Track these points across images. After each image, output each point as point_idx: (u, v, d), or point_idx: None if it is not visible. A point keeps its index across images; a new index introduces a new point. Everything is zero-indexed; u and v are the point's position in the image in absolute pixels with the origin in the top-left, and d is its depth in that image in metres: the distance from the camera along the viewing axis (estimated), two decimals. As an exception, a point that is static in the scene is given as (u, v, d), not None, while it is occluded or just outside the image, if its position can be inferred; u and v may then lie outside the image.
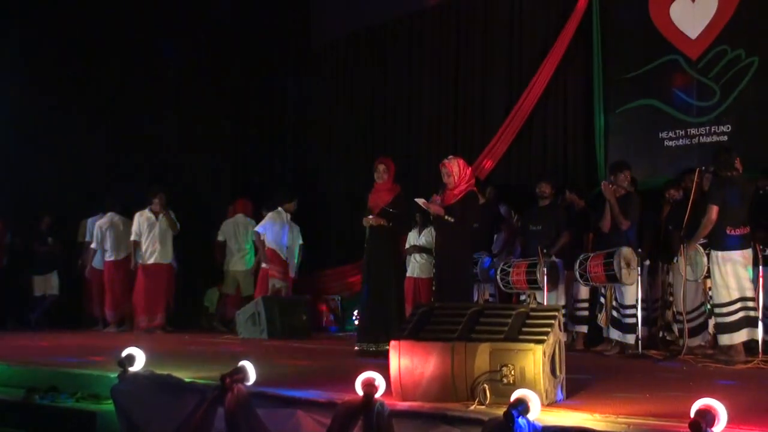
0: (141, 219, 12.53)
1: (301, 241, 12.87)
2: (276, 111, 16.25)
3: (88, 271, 13.62)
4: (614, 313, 8.98)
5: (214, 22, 15.61)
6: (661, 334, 9.50)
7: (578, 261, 9.09)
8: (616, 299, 8.89)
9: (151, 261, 12.52)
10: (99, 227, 13.23)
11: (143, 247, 12.51)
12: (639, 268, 8.82)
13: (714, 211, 8.17)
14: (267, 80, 16.08)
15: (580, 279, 9.15)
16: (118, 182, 14.35)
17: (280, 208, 12.27)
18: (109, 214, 13.21)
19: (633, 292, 8.87)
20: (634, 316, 8.86)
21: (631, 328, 8.84)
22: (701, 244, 8.45)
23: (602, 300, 9.16)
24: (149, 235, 12.52)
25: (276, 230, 12.14)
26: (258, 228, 12.27)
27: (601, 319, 9.12)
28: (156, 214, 12.60)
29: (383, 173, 8.97)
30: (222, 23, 15.66)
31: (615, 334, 8.98)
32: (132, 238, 12.58)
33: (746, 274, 8.21)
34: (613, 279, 8.74)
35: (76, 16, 14.25)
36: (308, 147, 15.64)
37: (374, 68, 14.83)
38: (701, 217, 8.46)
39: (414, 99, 14.15)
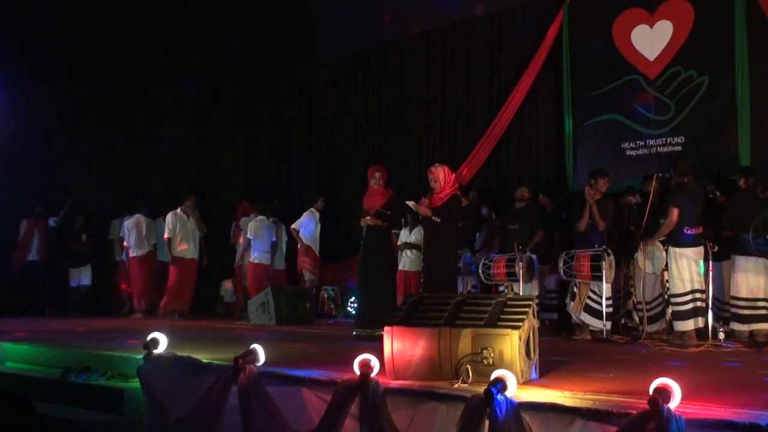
0: (174, 218, 12.42)
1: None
2: (283, 122, 16.23)
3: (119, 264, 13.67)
4: (591, 303, 8.94)
5: (229, 48, 15.58)
6: (623, 321, 9.50)
7: (562, 258, 9.04)
8: (593, 291, 8.86)
9: (182, 256, 12.43)
10: (126, 226, 13.22)
11: (176, 243, 12.39)
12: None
13: (675, 213, 8.20)
14: (275, 95, 16.10)
15: (563, 274, 9.11)
16: (143, 186, 14.34)
17: (312, 208, 12.14)
18: (137, 215, 13.17)
19: (609, 286, 8.91)
20: (611, 306, 8.92)
21: (607, 316, 8.85)
22: (659, 242, 8.48)
23: (575, 290, 9.13)
24: (181, 232, 12.43)
25: (311, 228, 12.05)
26: (294, 225, 12.12)
27: (573, 307, 9.11)
28: (187, 214, 12.54)
29: (379, 179, 9.00)
30: (235, 47, 15.62)
31: (591, 321, 8.94)
32: (166, 235, 12.42)
33: (698, 268, 8.26)
34: (599, 278, 8.74)
35: (106, 36, 14.33)
36: (311, 154, 15.62)
37: (370, 85, 14.85)
38: (660, 218, 8.51)
39: (405, 113, 14.15)
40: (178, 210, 12.49)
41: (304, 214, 12.16)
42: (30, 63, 13.30)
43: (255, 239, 12.43)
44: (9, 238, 13.43)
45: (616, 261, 9.22)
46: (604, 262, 8.66)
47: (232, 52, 15.61)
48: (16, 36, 13.27)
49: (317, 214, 12.18)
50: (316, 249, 12.15)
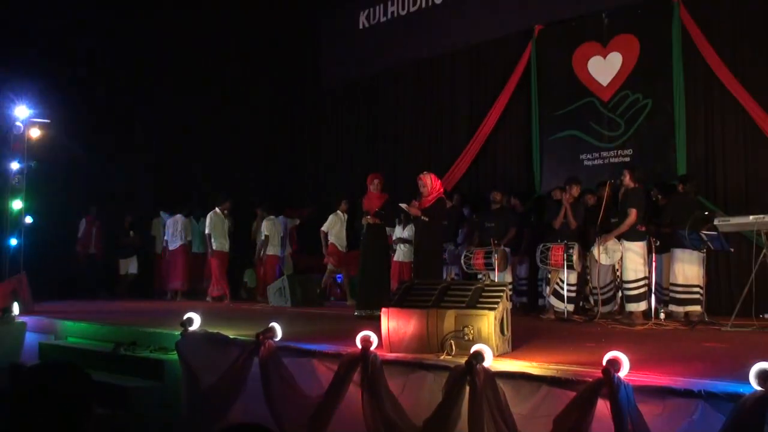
0: (215, 217, 12.18)
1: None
2: (294, 137, 16.19)
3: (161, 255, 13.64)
4: (557, 288, 8.94)
5: (251, 73, 15.64)
6: (581, 304, 9.50)
7: (539, 249, 9.06)
8: (560, 279, 8.86)
9: (221, 249, 12.24)
10: (168, 224, 13.25)
11: (215, 238, 12.14)
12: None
13: (635, 213, 8.27)
14: (287, 114, 16.09)
15: (540, 262, 9.14)
16: (181, 191, 14.38)
17: (338, 211, 11.78)
18: (178, 215, 13.17)
19: (575, 274, 8.94)
20: (574, 291, 8.95)
21: (570, 300, 8.88)
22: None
23: (549, 276, 9.16)
24: (220, 230, 12.23)
25: (337, 229, 11.69)
26: (324, 227, 11.72)
27: (548, 291, 9.14)
28: (224, 214, 12.38)
29: (378, 185, 9.04)
30: (255, 72, 15.69)
31: (556, 303, 8.95)
32: (207, 231, 12.16)
33: (643, 259, 8.33)
34: (570, 267, 8.77)
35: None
36: (319, 164, 15.61)
37: (369, 106, 14.81)
38: (611, 218, 8.57)
39: (398, 128, 14.11)
40: (217, 210, 12.31)
41: (331, 216, 11.78)
42: (79, 76, 13.39)
43: (270, 236, 12.41)
44: (65, 233, 13.46)
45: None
46: (573, 253, 8.69)
47: (254, 75, 15.68)
48: (68, 45, 13.30)
49: (342, 216, 11.83)
50: (341, 246, 11.74)
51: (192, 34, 14.65)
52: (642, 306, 8.33)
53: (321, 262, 12.16)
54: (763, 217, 7.29)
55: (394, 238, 11.15)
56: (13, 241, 9.92)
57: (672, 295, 8.48)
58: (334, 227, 11.70)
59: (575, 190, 9.24)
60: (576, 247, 8.76)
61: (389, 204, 8.99)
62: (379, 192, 9.05)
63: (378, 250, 8.97)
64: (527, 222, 10.40)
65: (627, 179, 8.62)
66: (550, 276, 9.11)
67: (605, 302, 9.10)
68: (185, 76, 14.88)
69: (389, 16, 14.17)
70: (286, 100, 16.04)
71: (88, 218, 13.64)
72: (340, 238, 11.75)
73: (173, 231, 13.08)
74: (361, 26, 14.71)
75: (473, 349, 4.49)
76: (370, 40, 14.54)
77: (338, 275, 13.01)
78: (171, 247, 13.09)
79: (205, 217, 12.51)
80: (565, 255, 8.71)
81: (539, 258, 9.04)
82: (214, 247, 12.12)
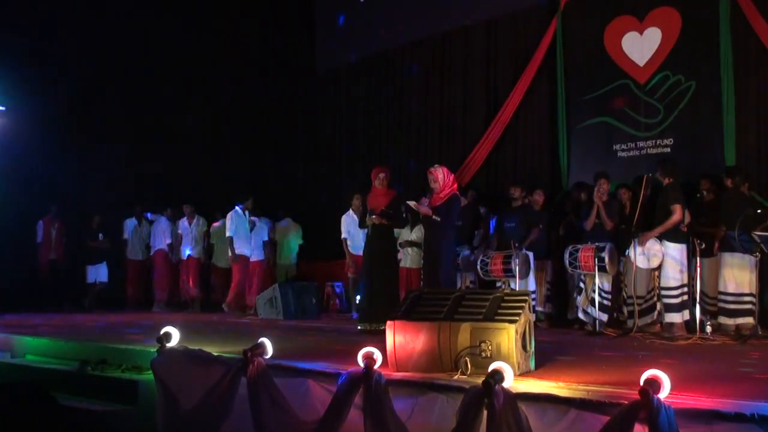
0: (235, 218, 12.15)
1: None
2: (289, 128, 16.21)
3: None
4: (595, 296, 8.90)
5: (243, 58, 15.70)
6: (614, 315, 9.49)
7: (568, 251, 9.04)
8: (599, 286, 8.87)
9: (242, 253, 12.22)
10: (164, 227, 13.51)
11: (236, 243, 12.15)
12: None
13: (679, 209, 8.25)
14: (281, 102, 16.09)
15: (568, 266, 9.10)
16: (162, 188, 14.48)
17: (350, 210, 11.46)
18: (161, 217, 13.44)
19: (609, 280, 8.95)
20: (608, 300, 8.97)
21: (604, 309, 8.88)
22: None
23: (581, 285, 9.17)
24: (243, 232, 12.22)
25: (352, 230, 11.34)
26: (343, 234, 11.50)
27: (582, 300, 9.13)
28: (247, 213, 12.36)
29: (384, 180, 8.93)
30: (247, 58, 15.73)
31: (595, 313, 8.91)
32: (228, 233, 12.13)
33: (681, 264, 8.35)
34: (603, 269, 8.74)
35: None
36: (316, 157, 15.62)
37: (371, 91, 14.83)
38: (651, 216, 8.56)
39: (405, 116, 14.14)
40: (238, 209, 12.24)
41: (344, 217, 11.56)
42: (45, 63, 13.35)
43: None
44: (25, 237, 13.43)
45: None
46: (606, 253, 8.67)
47: (245, 62, 15.72)
48: (32, 34, 13.29)
49: (352, 214, 11.57)
50: (354, 251, 11.36)
51: (178, 20, 14.64)
52: (684, 316, 8.32)
53: (341, 270, 12.27)
54: (824, 216, 7.28)
55: (400, 240, 11.15)
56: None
57: (720, 305, 8.46)
58: (351, 229, 11.41)
59: (606, 186, 9.24)
60: (608, 247, 8.73)
61: (397, 202, 8.87)
62: (385, 188, 8.93)
63: (384, 255, 8.88)
64: (552, 221, 10.40)
65: (659, 175, 8.64)
66: (583, 284, 9.11)
67: (643, 313, 9.07)
68: (167, 65, 14.85)
69: (393, -15, 14.23)
70: (278, 87, 16.04)
71: (46, 219, 13.53)
72: (353, 241, 11.49)
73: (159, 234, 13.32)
74: (361, -1, 14.74)
75: (491, 367, 4.48)
76: (372, 16, 14.54)
77: (337, 283, 13.04)
78: (186, 254, 13.29)
79: (192, 218, 12.59)
80: (596, 257, 8.69)
81: (568, 261, 9.02)
82: (236, 252, 12.13)
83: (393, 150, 14.05)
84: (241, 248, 12.15)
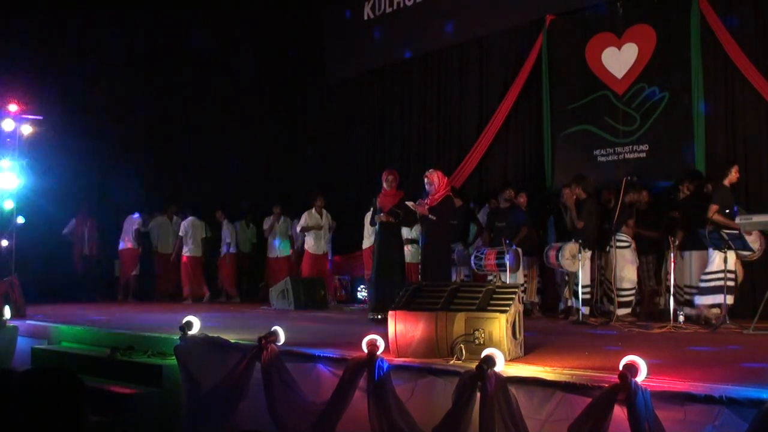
0: (308, 216, 12.13)
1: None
2: (300, 135, 16.21)
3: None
4: (578, 290, 8.87)
5: (257, 70, 15.73)
6: (596, 304, 9.46)
7: (473, 254, 9.41)
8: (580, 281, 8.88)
9: (315, 252, 12.19)
10: (184, 226, 13.34)
11: (306, 238, 12.23)
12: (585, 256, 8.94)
13: (713, 209, 8.13)
14: (293, 110, 16.12)
15: (474, 267, 9.55)
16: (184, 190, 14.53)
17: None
18: (191, 217, 13.32)
19: (586, 275, 8.92)
20: (588, 292, 8.94)
21: (585, 302, 8.87)
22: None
23: (566, 278, 9.19)
24: (313, 228, 12.15)
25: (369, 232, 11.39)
26: (366, 240, 11.56)
27: (566, 292, 9.13)
28: (319, 212, 12.25)
29: (392, 182, 8.98)
30: (261, 70, 15.78)
31: (576, 304, 8.93)
32: (298, 228, 12.25)
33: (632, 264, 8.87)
34: (560, 266, 8.81)
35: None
36: (326, 162, 15.59)
37: (375, 101, 14.81)
38: (627, 218, 8.57)
39: (405, 124, 14.12)
40: (312, 210, 12.18)
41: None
42: (81, 76, 13.38)
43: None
44: (60, 234, 13.42)
45: (592, 254, 9.22)
46: (561, 252, 8.72)
47: (259, 74, 15.74)
48: (72, 52, 13.36)
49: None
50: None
51: (193, 29, 14.62)
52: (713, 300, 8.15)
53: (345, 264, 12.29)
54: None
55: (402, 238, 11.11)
56: (5, 243, 9.89)
57: (687, 297, 8.45)
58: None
59: (578, 189, 9.23)
60: (567, 246, 8.74)
61: (404, 202, 8.84)
62: (394, 189, 8.97)
63: (392, 251, 8.86)
64: (536, 221, 10.42)
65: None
66: (567, 278, 9.11)
67: (623, 305, 9.04)
68: (185, 72, 14.86)
69: (395, 6, 14.16)
70: (289, 97, 16.06)
71: (79, 217, 13.49)
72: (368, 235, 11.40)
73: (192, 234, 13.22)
74: (366, 17, 14.69)
75: (484, 353, 4.47)
76: (375, 32, 14.52)
77: (345, 275, 13.02)
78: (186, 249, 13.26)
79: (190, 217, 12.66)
80: (557, 255, 8.73)
81: (474, 263, 9.44)
82: (306, 248, 12.22)
83: (393, 155, 14.03)
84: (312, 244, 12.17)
